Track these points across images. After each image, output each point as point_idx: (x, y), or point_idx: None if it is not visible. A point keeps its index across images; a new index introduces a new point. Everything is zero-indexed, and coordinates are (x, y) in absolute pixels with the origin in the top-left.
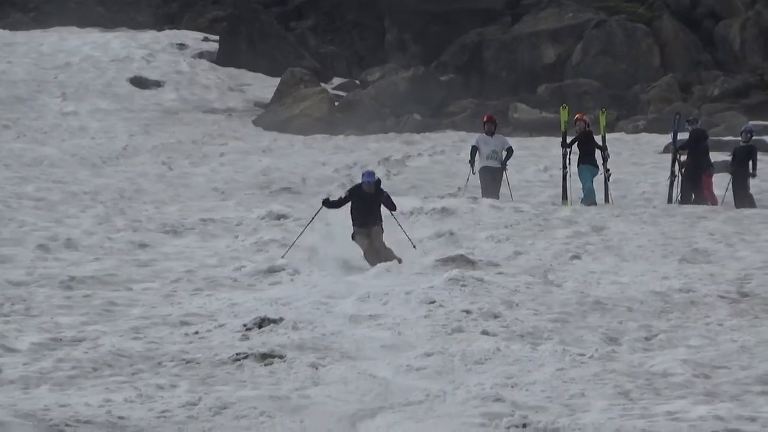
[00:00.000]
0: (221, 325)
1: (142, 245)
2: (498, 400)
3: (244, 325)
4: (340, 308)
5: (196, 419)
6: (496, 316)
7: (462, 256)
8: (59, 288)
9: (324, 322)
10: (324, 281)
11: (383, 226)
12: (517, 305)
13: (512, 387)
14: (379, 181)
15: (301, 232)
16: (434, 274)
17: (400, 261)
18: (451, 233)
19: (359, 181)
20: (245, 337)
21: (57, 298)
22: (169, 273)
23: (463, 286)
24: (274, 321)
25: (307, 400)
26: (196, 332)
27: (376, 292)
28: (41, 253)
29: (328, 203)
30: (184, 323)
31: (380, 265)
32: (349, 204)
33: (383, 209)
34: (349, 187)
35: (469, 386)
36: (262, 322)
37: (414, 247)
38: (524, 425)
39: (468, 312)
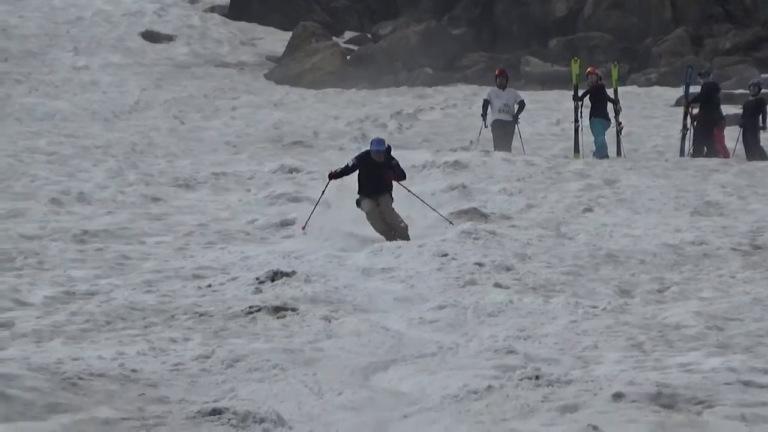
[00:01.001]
0: (234, 279)
1: (155, 199)
2: (511, 352)
3: (257, 278)
4: (353, 261)
5: (209, 372)
6: (508, 269)
7: (474, 209)
8: (72, 242)
9: (337, 275)
10: (336, 235)
11: (393, 195)
12: (529, 258)
13: (525, 339)
14: (389, 149)
15: (314, 207)
16: (447, 227)
17: (408, 238)
18: (464, 186)
19: (370, 145)
20: (258, 290)
21: (70, 252)
22: (182, 226)
23: (475, 239)
24: (287, 274)
25: (320, 352)
26: (209, 285)
27: (388, 246)
28: (54, 207)
29: (334, 175)
30: (196, 276)
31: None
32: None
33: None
34: (357, 154)
35: (482, 339)
36: (274, 276)
37: (451, 223)
38: (537, 377)
39: (480, 265)
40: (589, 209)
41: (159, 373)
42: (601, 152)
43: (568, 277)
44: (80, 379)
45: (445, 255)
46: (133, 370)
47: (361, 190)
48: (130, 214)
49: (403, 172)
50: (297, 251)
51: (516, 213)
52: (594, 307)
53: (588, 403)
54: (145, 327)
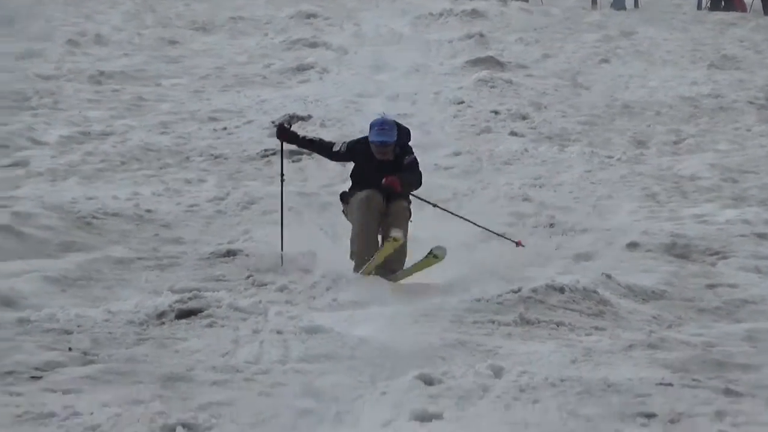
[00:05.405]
0: (249, 122)
1: (172, 42)
2: (526, 199)
3: (273, 122)
4: (369, 107)
5: (224, 213)
6: (524, 118)
7: (491, 57)
8: (88, 82)
9: (352, 121)
10: (353, 80)
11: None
12: (545, 107)
13: (540, 187)
14: (407, 133)
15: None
16: (463, 75)
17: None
18: (481, 35)
19: (369, 128)
20: (273, 134)
21: (86, 93)
22: (198, 69)
23: (491, 87)
24: (303, 118)
25: (335, 197)
26: (225, 128)
27: (405, 92)
28: (70, 48)
29: (289, 137)
30: (212, 119)
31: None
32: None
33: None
34: (351, 140)
35: (498, 186)
36: (290, 119)
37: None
38: (551, 225)
39: (496, 113)
40: (605, 60)
41: (173, 214)
42: (618, 4)
43: (584, 127)
44: (95, 218)
45: (461, 102)
46: (148, 211)
47: (356, 186)
48: (146, 56)
49: (418, 178)
50: (313, 95)
51: (532, 62)
52: (609, 156)
53: (602, 252)
54: (160, 168)
